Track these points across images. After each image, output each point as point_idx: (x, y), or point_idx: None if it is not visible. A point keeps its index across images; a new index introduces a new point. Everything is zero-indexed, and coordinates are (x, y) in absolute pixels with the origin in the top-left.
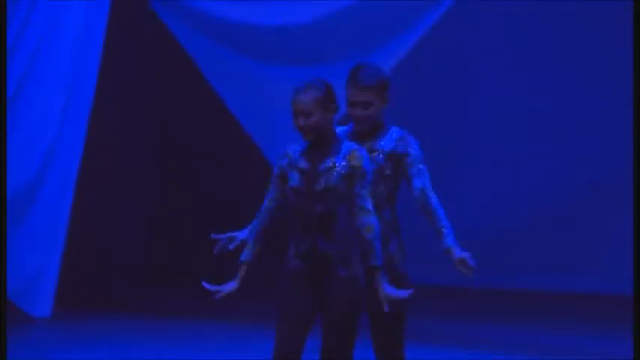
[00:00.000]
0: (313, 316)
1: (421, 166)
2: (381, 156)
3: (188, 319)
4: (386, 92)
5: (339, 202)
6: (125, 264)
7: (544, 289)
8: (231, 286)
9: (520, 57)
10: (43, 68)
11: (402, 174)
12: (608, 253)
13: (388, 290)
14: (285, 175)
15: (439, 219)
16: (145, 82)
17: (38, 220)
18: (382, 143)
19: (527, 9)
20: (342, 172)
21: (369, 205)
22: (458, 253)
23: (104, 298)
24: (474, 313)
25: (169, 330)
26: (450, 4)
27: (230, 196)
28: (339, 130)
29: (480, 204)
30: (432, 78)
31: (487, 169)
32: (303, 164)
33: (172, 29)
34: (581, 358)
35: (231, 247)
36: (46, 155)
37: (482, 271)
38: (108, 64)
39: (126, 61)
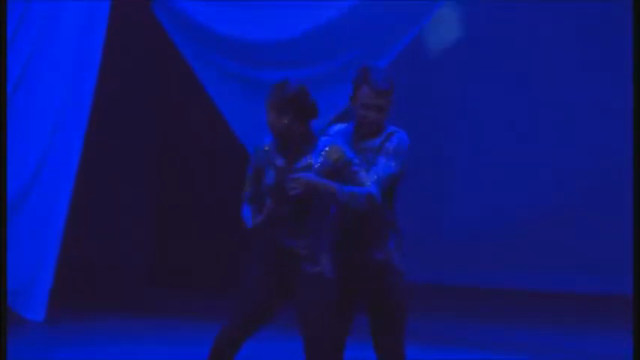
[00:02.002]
0: (271, 310)
1: (383, 159)
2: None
3: (188, 320)
4: (393, 95)
5: (311, 199)
6: (125, 264)
7: (544, 289)
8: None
9: (519, 56)
10: (39, 69)
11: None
12: (608, 253)
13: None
14: (262, 172)
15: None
16: (144, 83)
17: (32, 222)
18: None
19: (526, 8)
20: (321, 168)
21: (367, 178)
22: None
23: (104, 299)
24: (474, 313)
25: (170, 330)
26: (443, 3)
27: (230, 196)
28: (339, 127)
29: (479, 204)
30: (430, 76)
31: (487, 170)
32: (279, 161)
33: (171, 34)
34: (581, 358)
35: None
36: (41, 157)
37: (482, 271)
38: (107, 65)
39: (125, 63)
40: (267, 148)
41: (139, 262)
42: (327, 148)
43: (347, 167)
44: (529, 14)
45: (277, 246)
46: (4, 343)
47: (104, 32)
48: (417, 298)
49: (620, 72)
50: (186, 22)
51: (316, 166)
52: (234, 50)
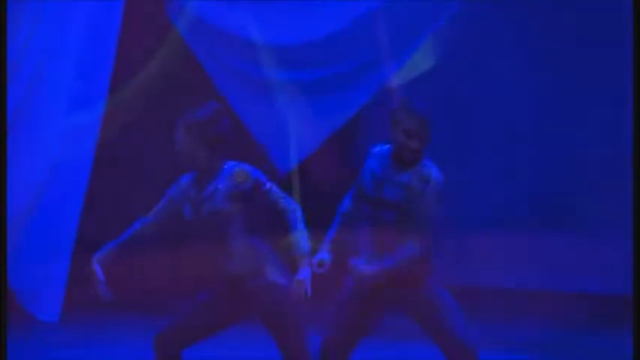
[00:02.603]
0: (216, 327)
1: (426, 207)
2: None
3: None
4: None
5: (228, 222)
6: (126, 264)
7: (544, 289)
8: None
9: (516, 60)
10: (53, 70)
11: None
12: (608, 253)
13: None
14: (177, 207)
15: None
16: (157, 84)
17: (45, 224)
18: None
19: (524, 11)
20: (228, 192)
21: (281, 194)
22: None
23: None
24: (474, 313)
25: None
26: (455, 10)
27: None
28: (380, 149)
29: (479, 204)
30: (428, 81)
31: (487, 169)
32: (192, 192)
33: (183, 34)
34: (582, 357)
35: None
36: (54, 158)
37: (482, 271)
38: (120, 65)
39: (139, 62)
40: (182, 184)
41: (140, 263)
42: (232, 172)
43: (257, 189)
44: (527, 17)
45: (221, 270)
46: (4, 343)
47: (118, 32)
48: None
49: (618, 74)
50: (198, 22)
51: (222, 190)
52: (245, 51)
